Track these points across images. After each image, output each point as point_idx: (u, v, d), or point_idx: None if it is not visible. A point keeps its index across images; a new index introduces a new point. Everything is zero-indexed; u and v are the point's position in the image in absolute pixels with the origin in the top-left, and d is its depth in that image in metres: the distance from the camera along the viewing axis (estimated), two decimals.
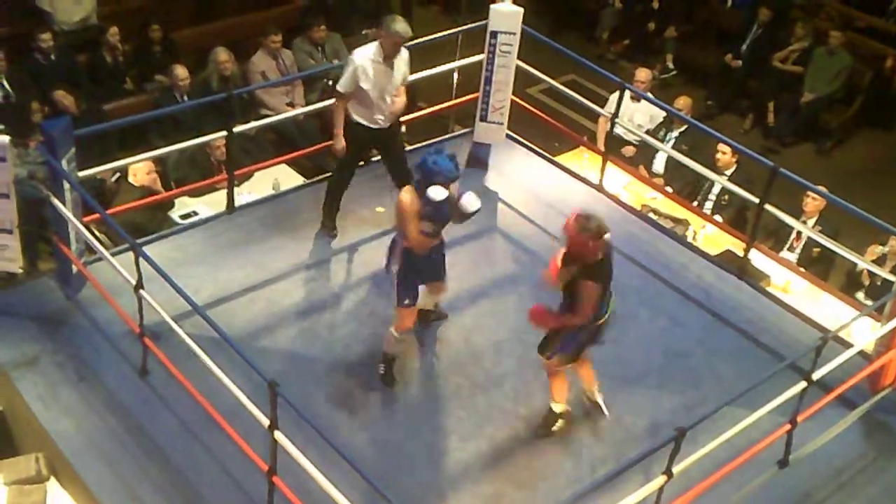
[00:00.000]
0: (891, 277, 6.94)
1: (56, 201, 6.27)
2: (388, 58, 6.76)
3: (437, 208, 5.72)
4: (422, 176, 5.74)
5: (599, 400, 6.17)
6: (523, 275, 7.25)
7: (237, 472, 5.55)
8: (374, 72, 6.74)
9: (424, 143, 8.54)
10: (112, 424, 5.85)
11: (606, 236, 5.48)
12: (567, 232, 5.50)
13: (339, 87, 6.84)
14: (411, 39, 6.85)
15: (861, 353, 6.32)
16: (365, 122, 6.93)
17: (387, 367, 6.24)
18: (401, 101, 7.02)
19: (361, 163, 7.51)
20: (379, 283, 6.99)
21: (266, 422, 5.11)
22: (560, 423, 6.04)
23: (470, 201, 5.79)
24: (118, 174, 8.24)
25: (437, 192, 5.66)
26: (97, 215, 6.43)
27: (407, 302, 6.02)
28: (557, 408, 6.02)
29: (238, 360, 5.27)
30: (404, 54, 6.93)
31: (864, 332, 6.90)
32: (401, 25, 6.67)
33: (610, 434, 6.08)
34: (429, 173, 5.70)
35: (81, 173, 6.56)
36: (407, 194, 5.82)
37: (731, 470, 5.59)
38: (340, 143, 6.99)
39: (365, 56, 6.76)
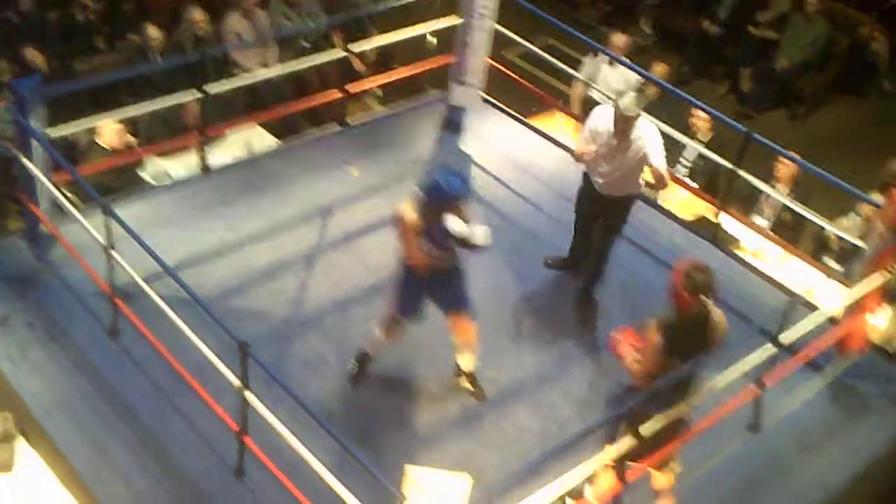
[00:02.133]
0: (859, 243, 6.99)
1: (25, 161, 6.21)
2: (619, 132, 6.17)
3: (444, 234, 5.32)
4: (432, 195, 5.30)
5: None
6: (498, 238, 7.20)
7: (207, 432, 5.55)
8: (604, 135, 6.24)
9: (400, 106, 8.53)
10: (82, 384, 5.84)
11: (705, 297, 4.81)
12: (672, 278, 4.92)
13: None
14: None
15: (830, 317, 6.38)
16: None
17: (360, 365, 6.02)
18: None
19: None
20: (352, 245, 6.98)
21: (237, 382, 5.11)
22: None
23: (481, 235, 5.36)
24: (89, 134, 8.15)
25: (453, 223, 5.24)
26: (67, 174, 6.38)
27: (394, 312, 5.72)
28: None
29: (208, 320, 5.26)
30: (642, 130, 6.22)
31: (832, 297, 6.97)
32: (625, 101, 6.04)
33: (579, 395, 6.12)
34: (439, 194, 5.26)
35: (51, 132, 6.50)
36: (408, 211, 5.36)
37: (700, 432, 5.64)
38: None
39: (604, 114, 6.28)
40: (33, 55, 8.77)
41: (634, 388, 5.02)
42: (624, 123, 6.12)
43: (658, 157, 6.23)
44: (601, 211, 6.57)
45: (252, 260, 6.79)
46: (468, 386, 6.07)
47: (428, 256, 5.46)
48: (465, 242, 5.34)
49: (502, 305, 6.70)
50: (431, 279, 5.61)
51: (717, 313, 4.99)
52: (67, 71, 8.99)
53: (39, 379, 5.84)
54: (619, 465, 5.15)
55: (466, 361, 5.99)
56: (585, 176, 6.61)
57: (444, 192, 5.26)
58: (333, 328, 6.35)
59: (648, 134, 6.26)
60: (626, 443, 5.06)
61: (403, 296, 5.70)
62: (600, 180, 6.43)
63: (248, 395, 5.09)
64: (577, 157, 6.45)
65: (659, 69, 9.54)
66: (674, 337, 4.86)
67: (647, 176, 6.43)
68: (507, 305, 6.71)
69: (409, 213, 5.36)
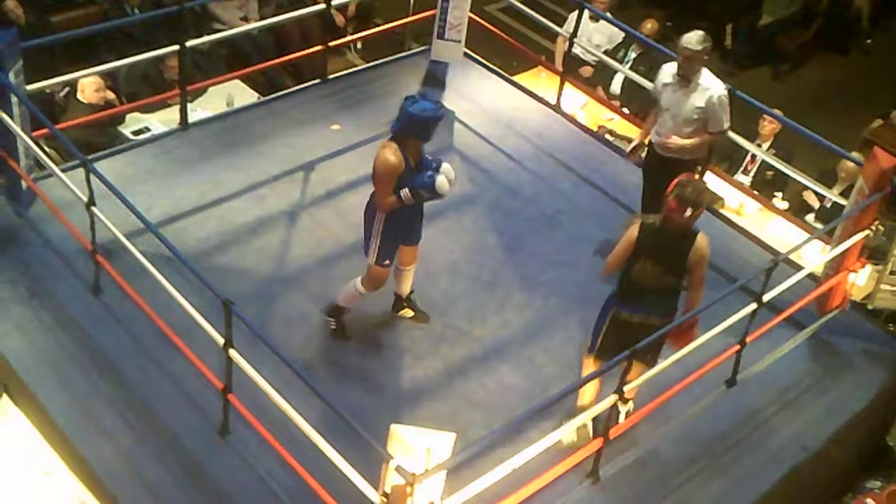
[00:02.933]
0: (841, 200, 7.02)
1: (4, 115, 6.12)
2: (681, 73, 6.09)
3: (425, 187, 5.41)
4: (409, 126, 5.35)
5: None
6: (480, 194, 7.25)
7: (192, 389, 5.55)
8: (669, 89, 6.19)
9: (381, 60, 8.46)
10: (64, 342, 5.81)
11: (687, 212, 5.05)
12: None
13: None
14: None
15: (810, 275, 6.42)
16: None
17: (338, 321, 6.02)
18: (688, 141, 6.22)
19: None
20: (335, 201, 6.96)
21: (221, 340, 5.10)
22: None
23: (442, 182, 5.42)
24: (67, 89, 8.06)
25: (443, 185, 5.38)
26: (46, 130, 6.30)
27: (387, 262, 5.72)
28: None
29: (192, 277, 5.24)
30: (708, 82, 6.09)
31: (813, 255, 7.01)
32: (687, 36, 5.92)
33: (563, 353, 6.15)
34: (417, 121, 5.32)
35: (29, 87, 6.41)
36: (393, 155, 5.37)
37: (682, 389, 5.69)
38: None
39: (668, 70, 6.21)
40: (15, 6, 8.61)
41: (601, 277, 5.42)
42: (686, 61, 5.95)
43: (718, 124, 6.09)
44: (657, 177, 6.18)
45: (234, 216, 6.76)
46: (411, 313, 6.15)
47: (396, 197, 5.46)
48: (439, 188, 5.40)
49: (485, 262, 6.70)
50: (410, 214, 5.66)
51: (702, 237, 5.18)
52: (44, 25, 8.85)
53: (22, 337, 5.80)
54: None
55: (406, 288, 6.07)
56: (650, 145, 6.50)
57: (419, 118, 5.32)
58: (317, 285, 6.33)
59: (714, 90, 6.07)
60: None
61: (389, 241, 5.68)
62: (658, 136, 6.27)
63: (233, 352, 5.08)
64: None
65: (648, 26, 9.51)
66: (650, 238, 5.15)
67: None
68: (489, 262, 6.71)
69: (397, 158, 5.37)
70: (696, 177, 6.09)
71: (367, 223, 5.69)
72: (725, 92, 6.17)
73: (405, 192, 5.44)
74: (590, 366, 5.58)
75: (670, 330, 5.28)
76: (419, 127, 5.38)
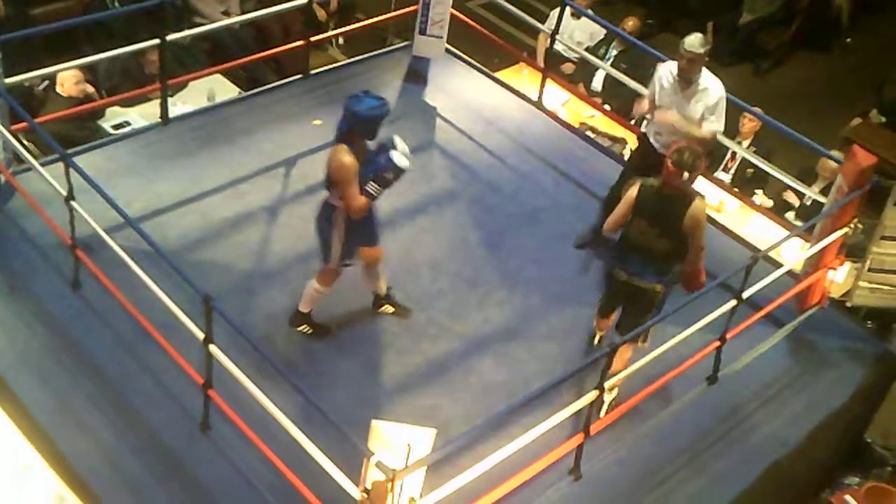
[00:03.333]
0: (821, 198, 7.06)
1: None
2: (682, 76, 6.09)
3: (387, 169, 5.34)
4: (357, 125, 5.30)
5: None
6: (461, 191, 7.25)
7: (172, 385, 5.53)
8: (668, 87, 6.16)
9: (363, 56, 8.44)
10: (44, 337, 5.78)
11: (684, 175, 5.24)
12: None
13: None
14: None
15: (790, 272, 6.45)
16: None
17: (310, 324, 5.98)
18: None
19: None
20: (315, 197, 6.92)
21: (201, 335, 5.08)
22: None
23: (401, 156, 5.37)
24: (46, 82, 8.01)
25: (402, 158, 5.33)
26: (24, 124, 6.26)
27: (347, 262, 5.72)
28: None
29: (172, 272, 5.22)
30: (708, 83, 6.10)
31: (793, 252, 7.05)
32: (689, 39, 5.93)
33: (544, 349, 6.15)
34: (365, 119, 5.28)
35: (8, 80, 6.37)
36: (347, 156, 5.31)
37: (662, 385, 5.71)
38: None
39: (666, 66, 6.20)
40: None
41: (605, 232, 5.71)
42: (688, 64, 5.97)
43: (714, 123, 6.09)
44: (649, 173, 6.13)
45: (214, 212, 6.73)
46: (392, 308, 6.13)
47: (366, 195, 5.41)
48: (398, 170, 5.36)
49: (467, 259, 6.70)
50: (368, 217, 5.61)
51: (699, 202, 5.36)
52: (23, 17, 8.78)
53: (0, 332, 5.77)
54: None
55: (383, 286, 6.07)
56: (643, 137, 6.50)
57: (366, 116, 5.27)
58: (297, 281, 6.30)
59: (714, 89, 6.09)
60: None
61: (347, 246, 5.66)
62: (661, 137, 6.25)
63: (213, 348, 5.07)
64: (644, 114, 6.29)
65: (630, 23, 9.53)
66: (648, 199, 5.37)
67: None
68: (471, 259, 6.71)
69: (347, 156, 5.32)
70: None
71: (324, 231, 5.64)
72: (724, 92, 6.18)
73: (371, 185, 5.37)
74: (598, 323, 5.99)
75: (666, 286, 5.51)
76: (365, 125, 5.32)
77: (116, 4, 8.97)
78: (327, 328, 6.04)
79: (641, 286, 5.50)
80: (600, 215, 6.44)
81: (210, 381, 5.18)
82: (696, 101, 6.10)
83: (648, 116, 6.41)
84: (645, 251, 5.45)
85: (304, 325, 6.00)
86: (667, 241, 5.39)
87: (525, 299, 6.48)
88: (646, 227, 5.40)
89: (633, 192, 5.43)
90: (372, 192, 5.40)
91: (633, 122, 8.43)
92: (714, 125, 6.15)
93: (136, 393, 5.54)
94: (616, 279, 5.61)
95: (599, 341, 6.10)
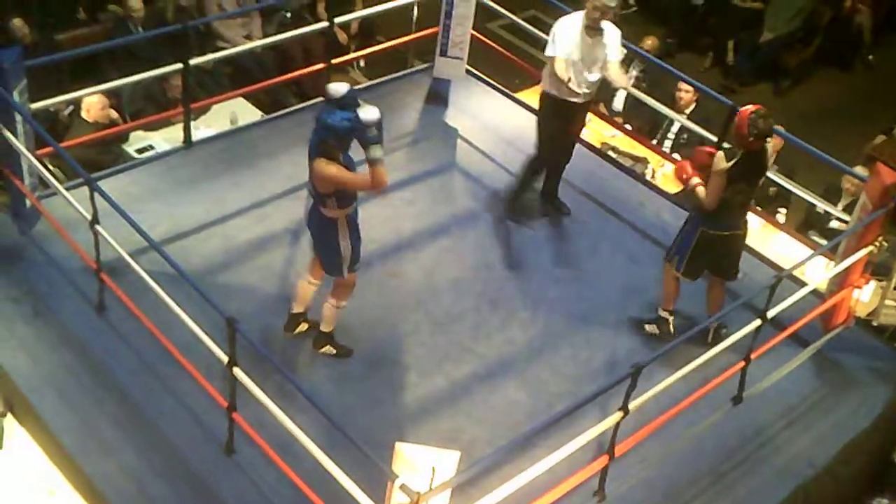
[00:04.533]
0: (844, 216, 7.02)
1: (8, 134, 6.14)
2: (591, 28, 6.56)
3: (364, 123, 5.23)
4: (331, 137, 5.31)
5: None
6: (483, 212, 7.25)
7: (197, 408, 5.54)
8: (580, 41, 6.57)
9: (384, 78, 8.48)
10: (69, 360, 5.80)
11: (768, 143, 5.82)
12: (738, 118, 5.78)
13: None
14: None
15: (814, 291, 6.41)
16: (558, 95, 6.75)
17: (334, 345, 6.00)
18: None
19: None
20: None
21: (225, 358, 5.10)
22: (665, 328, 6.36)
23: (367, 110, 5.27)
24: (71, 107, 8.08)
25: (367, 113, 5.24)
26: (50, 149, 6.32)
27: (357, 266, 5.80)
28: (663, 314, 6.38)
29: (195, 295, 5.23)
30: (604, 24, 6.61)
31: (817, 271, 7.00)
32: None
33: (567, 370, 6.14)
34: (338, 130, 5.27)
35: (33, 105, 6.43)
36: (328, 164, 5.34)
37: (686, 406, 5.67)
38: None
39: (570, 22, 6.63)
40: (21, 25, 8.64)
41: (701, 208, 5.98)
42: (602, 15, 6.47)
43: (616, 52, 6.65)
44: (568, 122, 6.94)
45: (238, 234, 6.76)
46: (306, 326, 6.10)
47: (375, 163, 5.36)
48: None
49: (489, 279, 6.70)
50: (354, 211, 5.67)
51: (770, 145, 6.08)
52: (49, 42, 8.88)
53: (26, 355, 5.80)
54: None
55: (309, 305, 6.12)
56: (554, 102, 6.77)
57: (339, 129, 5.26)
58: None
59: (608, 27, 6.62)
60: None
61: (354, 248, 5.68)
62: (584, 90, 6.68)
63: (237, 371, 5.08)
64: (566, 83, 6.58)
65: (649, 42, 9.55)
66: (738, 167, 5.79)
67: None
68: (493, 279, 6.71)
69: (330, 165, 5.34)
70: None
71: (329, 245, 5.64)
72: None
73: (369, 150, 5.29)
74: (672, 281, 6.31)
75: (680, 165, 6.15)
76: (338, 137, 5.32)
77: (140, 29, 9.05)
78: (350, 349, 6.04)
79: (738, 234, 6.10)
80: (523, 177, 7.16)
81: (234, 405, 5.19)
82: (603, 44, 6.59)
83: (570, 76, 6.55)
84: (745, 206, 6.06)
85: (328, 346, 6.00)
86: (755, 192, 6.13)
87: (548, 319, 6.47)
88: (745, 187, 5.90)
89: (722, 164, 5.78)
90: (377, 156, 5.32)
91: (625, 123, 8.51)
92: (624, 72, 6.93)
93: (160, 415, 5.56)
94: (718, 237, 6.03)
95: (674, 328, 6.39)
